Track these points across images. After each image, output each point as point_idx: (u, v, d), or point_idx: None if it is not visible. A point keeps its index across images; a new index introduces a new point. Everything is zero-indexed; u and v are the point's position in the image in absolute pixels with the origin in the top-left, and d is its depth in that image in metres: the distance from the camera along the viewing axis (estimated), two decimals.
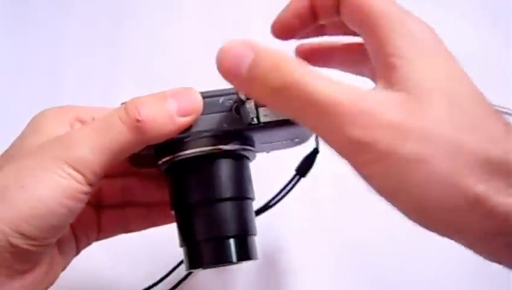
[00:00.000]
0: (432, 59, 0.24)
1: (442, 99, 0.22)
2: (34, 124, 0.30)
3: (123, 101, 0.30)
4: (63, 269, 0.33)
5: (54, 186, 0.26)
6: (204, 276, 0.47)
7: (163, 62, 0.57)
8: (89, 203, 0.33)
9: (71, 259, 0.34)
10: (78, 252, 0.35)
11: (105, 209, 0.37)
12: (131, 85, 0.56)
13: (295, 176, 0.39)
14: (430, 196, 0.21)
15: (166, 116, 0.28)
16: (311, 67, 0.24)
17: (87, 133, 0.28)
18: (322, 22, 0.32)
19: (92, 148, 0.27)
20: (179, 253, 0.33)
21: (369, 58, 0.27)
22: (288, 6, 0.32)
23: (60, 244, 0.32)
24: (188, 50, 0.58)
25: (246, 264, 0.47)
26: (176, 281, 0.45)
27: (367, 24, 0.26)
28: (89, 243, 0.36)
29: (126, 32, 0.60)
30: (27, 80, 0.57)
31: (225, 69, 0.25)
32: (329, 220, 0.49)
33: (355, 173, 0.24)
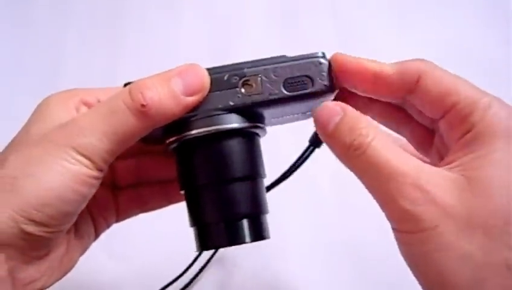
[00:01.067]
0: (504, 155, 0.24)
1: (502, 197, 0.23)
2: (40, 111, 0.30)
3: (126, 81, 0.29)
4: (81, 254, 0.33)
5: (63, 173, 0.26)
6: (203, 277, 0.47)
7: (163, 62, 0.57)
8: (105, 185, 0.34)
9: (90, 244, 0.34)
10: (97, 236, 0.35)
11: (121, 190, 0.37)
12: None
13: (309, 146, 0.37)
14: (455, 279, 0.23)
15: (172, 98, 0.28)
16: (384, 134, 0.26)
17: (92, 120, 0.27)
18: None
19: (99, 135, 0.27)
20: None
21: (412, 120, 0.30)
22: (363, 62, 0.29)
23: (76, 229, 0.32)
24: (188, 50, 0.58)
25: (244, 265, 0.47)
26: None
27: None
28: (108, 226, 0.36)
29: (126, 32, 0.60)
30: (27, 80, 0.57)
31: (318, 122, 0.27)
32: (328, 219, 0.49)
33: (394, 234, 0.26)
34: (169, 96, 0.27)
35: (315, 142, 0.37)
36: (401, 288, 0.46)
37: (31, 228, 0.26)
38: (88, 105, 0.31)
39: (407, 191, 0.24)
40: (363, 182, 0.26)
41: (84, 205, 0.28)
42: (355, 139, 0.25)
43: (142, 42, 0.59)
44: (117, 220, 0.37)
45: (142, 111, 0.27)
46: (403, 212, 0.24)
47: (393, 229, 0.26)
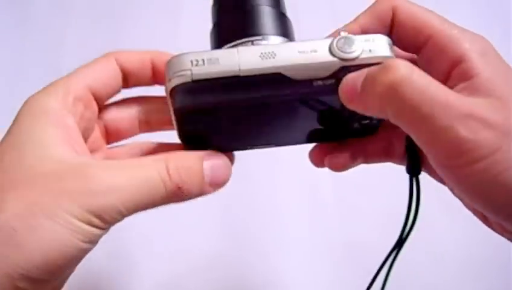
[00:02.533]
0: (499, 70, 0.26)
1: None
2: (27, 128, 0.26)
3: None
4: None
5: (72, 231, 0.24)
6: (203, 278, 0.47)
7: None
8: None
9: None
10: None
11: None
12: None
13: (411, 178, 0.32)
14: None
15: (200, 185, 0.28)
16: (417, 68, 0.24)
17: (122, 185, 0.25)
18: None
19: (125, 203, 0.25)
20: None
21: (395, 146, 0.31)
22: (335, 32, 0.30)
23: None
24: (189, 49, 0.58)
25: (244, 265, 0.47)
26: None
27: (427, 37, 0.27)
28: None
29: (126, 32, 0.60)
30: (27, 80, 0.57)
31: (345, 95, 0.26)
32: (328, 219, 0.49)
33: (448, 174, 0.24)
34: (199, 183, 0.28)
35: (413, 169, 0.32)
36: (401, 288, 0.46)
37: (26, 285, 0.23)
38: (82, 101, 0.28)
39: (465, 121, 0.23)
40: (408, 123, 0.24)
41: (85, 255, 0.26)
42: (394, 75, 0.23)
43: (142, 42, 0.59)
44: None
45: (176, 193, 0.27)
46: (463, 144, 0.23)
47: (447, 165, 0.24)
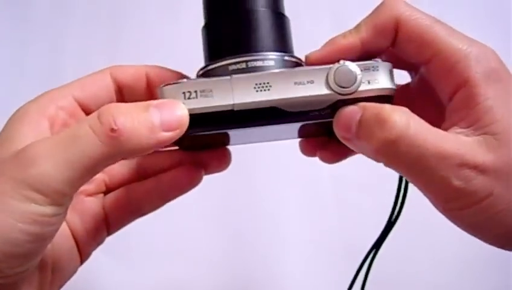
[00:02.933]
0: (503, 95, 0.25)
1: None
2: (8, 128, 0.27)
3: None
4: (64, 283, 0.30)
5: (10, 212, 0.23)
6: (203, 278, 0.47)
7: (163, 62, 0.57)
8: (86, 194, 0.31)
9: (74, 270, 0.31)
10: (85, 258, 0.31)
11: (107, 195, 0.32)
12: None
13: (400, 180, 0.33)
14: None
15: (146, 128, 0.24)
16: (413, 116, 0.24)
17: (50, 147, 0.24)
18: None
19: (56, 164, 0.23)
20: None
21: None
22: (333, 43, 0.28)
23: (43, 265, 0.28)
24: (188, 51, 0.58)
25: (244, 264, 0.47)
26: None
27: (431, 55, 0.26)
28: (99, 243, 0.32)
29: (126, 32, 0.60)
30: (27, 80, 0.57)
31: (340, 134, 0.26)
32: (328, 219, 0.49)
33: (446, 214, 0.26)
34: (144, 126, 0.24)
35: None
36: (401, 288, 0.46)
37: None
38: (65, 110, 0.29)
39: (458, 171, 0.24)
40: (405, 173, 0.26)
41: (46, 244, 0.25)
42: (390, 132, 0.24)
43: (142, 42, 0.59)
44: (109, 233, 0.32)
45: (111, 136, 0.24)
46: (456, 192, 0.24)
47: (444, 208, 0.26)
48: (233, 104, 0.26)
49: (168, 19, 0.61)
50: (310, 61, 0.28)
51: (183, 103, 0.26)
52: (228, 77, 0.26)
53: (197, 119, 0.26)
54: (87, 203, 0.30)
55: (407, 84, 0.31)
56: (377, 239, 0.33)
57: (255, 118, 0.26)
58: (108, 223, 0.32)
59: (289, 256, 0.48)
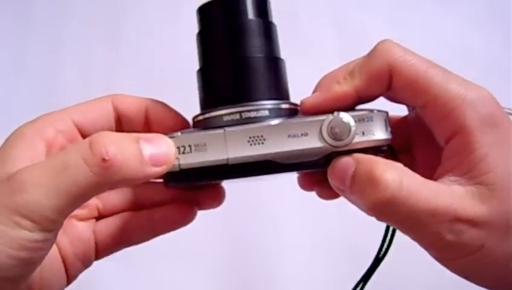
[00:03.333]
0: (498, 142, 0.25)
1: None
2: (3, 149, 0.27)
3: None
4: None
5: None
6: (203, 279, 0.47)
7: (163, 62, 0.57)
8: (78, 218, 0.31)
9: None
10: (72, 279, 0.31)
11: (99, 221, 0.32)
12: (131, 85, 0.56)
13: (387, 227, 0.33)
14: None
15: (138, 161, 0.24)
16: (405, 172, 0.24)
17: (40, 174, 0.24)
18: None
19: (46, 192, 0.23)
20: None
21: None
22: (328, 91, 0.28)
23: (30, 287, 0.28)
24: (188, 50, 0.58)
25: (244, 265, 0.47)
26: None
27: (427, 100, 0.26)
28: (86, 266, 0.32)
29: (126, 32, 0.60)
30: (27, 80, 0.57)
31: (334, 186, 0.26)
32: (328, 219, 0.49)
33: (442, 263, 0.26)
34: (135, 158, 0.24)
35: None
36: (400, 288, 0.46)
37: None
38: (64, 134, 0.29)
39: (450, 226, 0.24)
40: (396, 227, 0.26)
41: (34, 269, 0.25)
42: (382, 194, 0.24)
43: (142, 43, 0.60)
44: (97, 257, 0.32)
45: (102, 166, 0.23)
46: (448, 244, 0.24)
47: (436, 257, 0.26)
48: (228, 159, 0.26)
49: (168, 19, 0.61)
50: (305, 108, 0.28)
51: (177, 158, 0.26)
52: (222, 130, 0.26)
53: (192, 172, 0.26)
54: (78, 228, 0.30)
55: (405, 117, 0.31)
56: (364, 273, 0.33)
57: (249, 170, 0.26)
58: (97, 249, 0.32)
59: (289, 257, 0.48)
